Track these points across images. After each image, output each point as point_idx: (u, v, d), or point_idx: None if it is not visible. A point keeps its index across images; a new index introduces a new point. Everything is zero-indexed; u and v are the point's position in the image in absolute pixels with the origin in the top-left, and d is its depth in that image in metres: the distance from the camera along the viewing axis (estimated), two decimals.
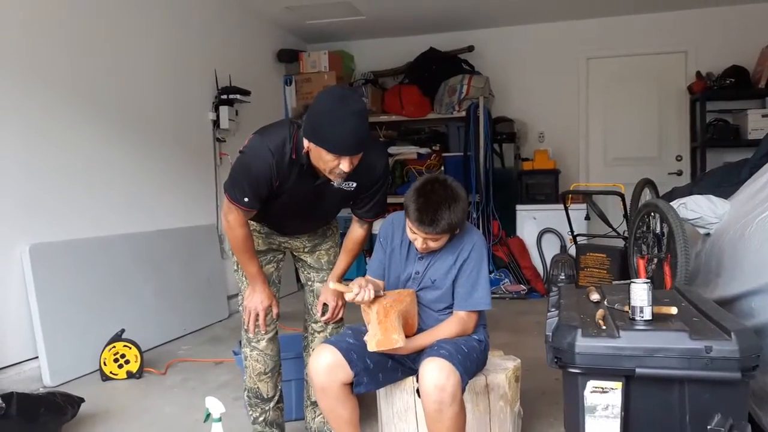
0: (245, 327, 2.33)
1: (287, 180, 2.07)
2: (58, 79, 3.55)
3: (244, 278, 2.32)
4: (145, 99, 4.23)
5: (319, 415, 2.49)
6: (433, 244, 2.00)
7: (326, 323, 2.42)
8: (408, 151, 6.17)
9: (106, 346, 3.38)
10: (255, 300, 2.27)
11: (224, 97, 4.96)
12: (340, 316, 2.42)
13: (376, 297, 1.99)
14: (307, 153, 1.97)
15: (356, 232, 2.32)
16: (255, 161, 2.03)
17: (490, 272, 5.59)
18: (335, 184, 2.05)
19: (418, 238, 1.99)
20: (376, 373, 2.02)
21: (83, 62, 3.71)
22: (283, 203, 2.14)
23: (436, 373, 1.83)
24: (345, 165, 1.91)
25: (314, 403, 2.48)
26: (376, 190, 2.19)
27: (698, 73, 5.77)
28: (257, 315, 2.28)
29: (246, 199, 2.07)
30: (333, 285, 2.13)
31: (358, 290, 1.96)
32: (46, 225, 3.44)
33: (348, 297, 1.99)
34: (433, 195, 1.94)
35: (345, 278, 2.38)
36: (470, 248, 2.05)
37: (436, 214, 1.91)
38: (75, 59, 3.65)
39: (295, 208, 2.19)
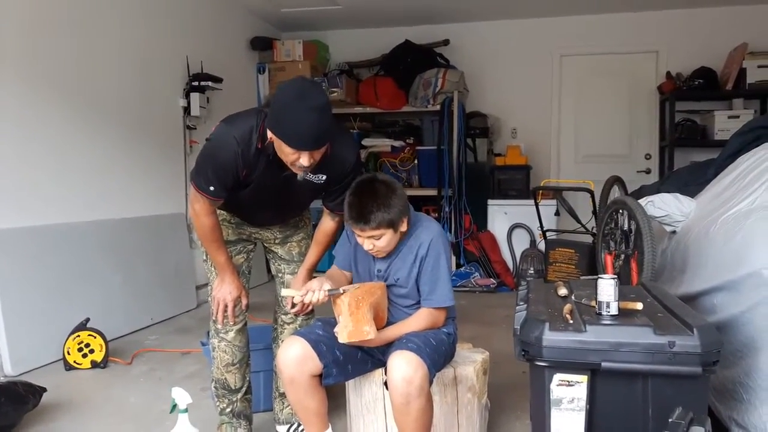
0: (213, 318, 2.30)
1: (254, 170, 2.04)
2: (22, 63, 3.44)
3: (213, 268, 2.29)
4: (113, 84, 4.14)
5: (287, 406, 2.49)
6: (379, 243, 1.98)
7: (296, 315, 2.41)
8: (382, 144, 6.16)
9: (70, 334, 3.32)
10: (224, 291, 2.24)
11: (195, 83, 4.88)
12: (310, 308, 2.40)
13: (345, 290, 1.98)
14: (272, 143, 1.96)
15: (327, 224, 2.31)
16: (220, 150, 2.01)
17: (461, 266, 5.63)
18: (299, 176, 2.03)
19: (363, 240, 1.99)
20: (346, 364, 2.01)
21: (49, 46, 3.61)
22: (251, 193, 2.12)
23: (404, 366, 1.83)
24: (305, 159, 1.90)
25: (282, 395, 2.47)
26: (347, 183, 2.17)
27: (668, 74, 5.87)
28: (226, 306, 2.25)
29: (211, 188, 2.04)
30: (284, 292, 2.10)
31: (305, 292, 1.97)
32: (8, 211, 3.34)
33: (296, 299, 2.00)
34: (362, 193, 1.96)
35: (317, 270, 2.37)
36: (428, 244, 2.04)
37: (365, 209, 1.92)
38: (40, 42, 3.55)
39: (264, 198, 2.16)
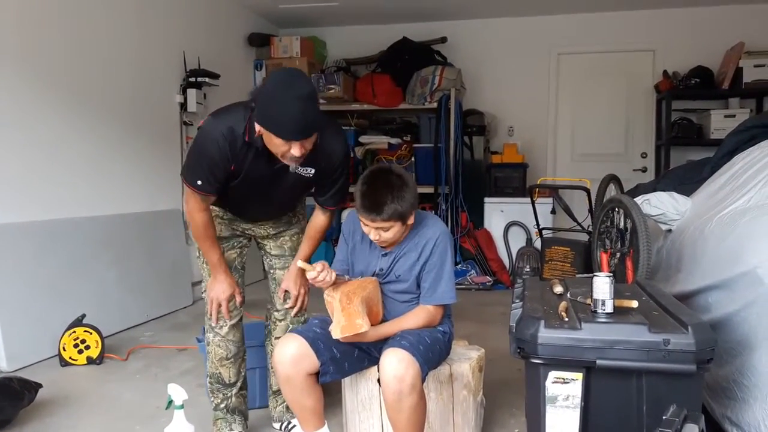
0: (208, 315, 2.30)
1: (243, 163, 2.04)
2: (17, 58, 3.43)
3: (205, 265, 2.29)
4: (110, 79, 4.12)
5: (281, 404, 2.48)
6: (385, 234, 1.97)
7: (288, 310, 2.40)
8: (379, 141, 6.15)
9: (65, 330, 3.31)
10: (217, 289, 2.24)
11: (192, 79, 4.87)
12: (304, 304, 2.40)
13: (340, 284, 1.98)
14: (261, 136, 1.96)
15: (319, 219, 2.30)
16: (206, 144, 2.01)
17: (457, 263, 5.63)
18: (291, 168, 2.02)
19: (370, 230, 1.98)
20: (343, 362, 2.01)
21: (44, 40, 3.60)
22: (241, 187, 2.11)
23: (396, 364, 1.83)
24: (296, 150, 1.89)
25: (276, 392, 2.47)
26: (336, 177, 2.17)
27: (665, 72, 5.88)
28: (219, 304, 2.25)
29: (199, 182, 2.04)
30: (300, 264, 2.07)
31: (321, 268, 1.95)
32: (3, 206, 3.33)
33: (309, 275, 1.97)
34: (376, 182, 1.95)
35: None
36: (433, 244, 2.04)
37: (379, 199, 1.91)
38: (35, 37, 3.54)
39: (254, 192, 2.16)
